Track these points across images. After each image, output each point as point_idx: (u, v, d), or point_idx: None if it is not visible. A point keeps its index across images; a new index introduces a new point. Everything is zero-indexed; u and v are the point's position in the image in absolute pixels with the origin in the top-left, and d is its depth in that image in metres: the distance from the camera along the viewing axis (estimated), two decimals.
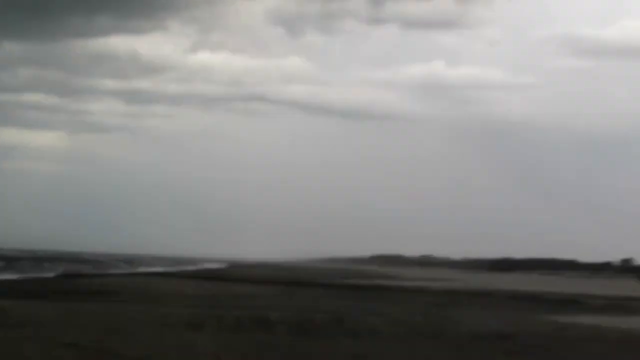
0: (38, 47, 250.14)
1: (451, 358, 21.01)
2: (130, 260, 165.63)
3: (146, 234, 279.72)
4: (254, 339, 23.76)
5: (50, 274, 77.93)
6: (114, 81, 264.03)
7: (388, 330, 27.94)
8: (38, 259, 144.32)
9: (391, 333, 27.02)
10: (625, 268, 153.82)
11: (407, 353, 21.35)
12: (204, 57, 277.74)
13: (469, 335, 26.74)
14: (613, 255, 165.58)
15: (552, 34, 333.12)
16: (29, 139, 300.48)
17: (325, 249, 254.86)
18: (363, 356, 20.09)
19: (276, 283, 69.98)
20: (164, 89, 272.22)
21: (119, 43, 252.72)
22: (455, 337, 26.28)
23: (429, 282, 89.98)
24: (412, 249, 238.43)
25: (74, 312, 32.39)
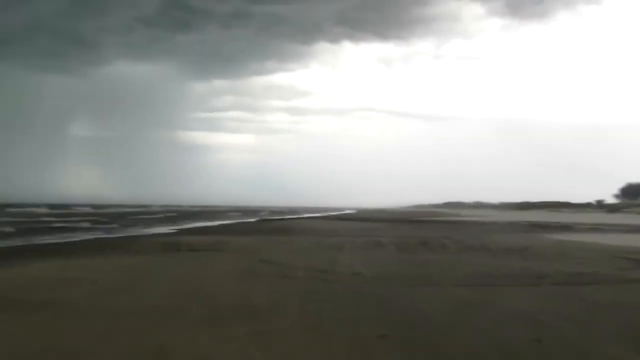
0: (235, 82, 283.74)
1: (490, 262, 23.72)
2: (294, 210, 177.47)
3: (303, 195, 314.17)
4: (373, 253, 27.77)
5: (252, 220, 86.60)
6: (280, 101, 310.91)
7: (453, 247, 31.45)
8: (243, 210, 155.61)
9: (454, 249, 30.77)
10: (600, 206, 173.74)
11: (463, 259, 24.95)
12: (332, 84, 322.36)
13: (502, 248, 30.58)
14: (591, 197, 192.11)
15: None
16: (232, 140, 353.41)
17: (414, 199, 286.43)
18: (438, 261, 23.86)
19: (385, 221, 77.39)
20: (311, 105, 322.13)
21: (282, 78, 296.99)
22: (493, 250, 29.85)
23: (478, 218, 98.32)
24: (469, 197, 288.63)
25: (267, 241, 35.82)
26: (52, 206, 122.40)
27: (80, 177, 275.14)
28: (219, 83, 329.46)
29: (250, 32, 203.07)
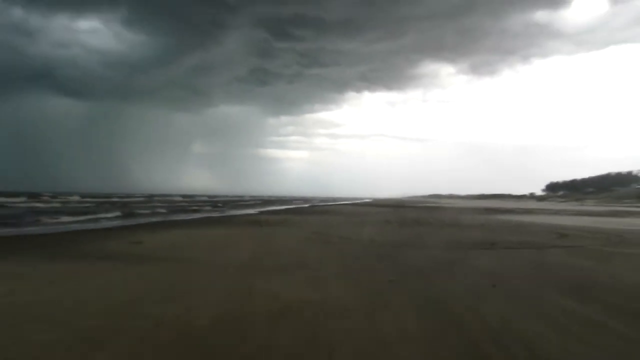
0: (295, 118, 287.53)
1: (460, 233, 23.22)
2: (332, 199, 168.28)
3: (338, 189, 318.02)
4: (383, 227, 27.50)
5: (306, 205, 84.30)
6: (323, 130, 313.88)
7: (435, 223, 31.20)
8: (300, 199, 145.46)
9: (436, 224, 30.41)
10: (532, 196, 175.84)
11: (442, 231, 24.38)
12: (357, 118, 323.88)
13: (467, 224, 30.25)
14: (527, 191, 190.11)
15: None
16: (293, 155, 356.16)
17: (409, 191, 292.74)
18: (426, 233, 23.05)
19: (391, 206, 74.75)
20: (343, 132, 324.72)
21: (324, 115, 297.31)
22: (461, 225, 29.53)
23: (451, 204, 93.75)
24: (445, 190, 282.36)
25: (316, 219, 35.98)
26: (183, 196, 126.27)
27: (198, 177, 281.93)
28: (285, 118, 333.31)
29: (305, 86, 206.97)
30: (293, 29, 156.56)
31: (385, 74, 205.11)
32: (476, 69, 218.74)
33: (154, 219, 34.70)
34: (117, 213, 39.40)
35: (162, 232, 22.87)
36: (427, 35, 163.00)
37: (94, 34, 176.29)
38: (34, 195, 73.55)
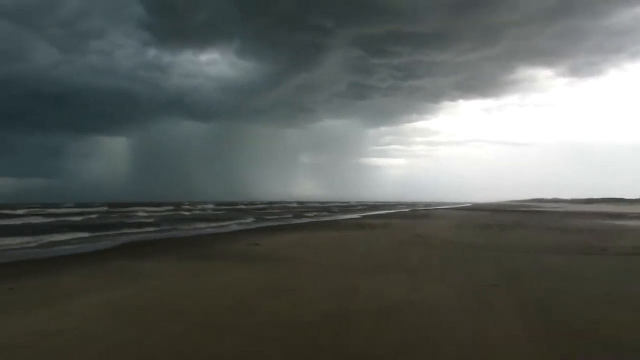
0: (393, 128, 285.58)
1: (564, 237, 21.30)
2: (432, 204, 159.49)
3: (437, 195, 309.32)
4: (483, 231, 26.07)
5: (407, 210, 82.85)
6: (421, 138, 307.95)
7: (539, 228, 29.23)
8: (400, 205, 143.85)
9: (538, 228, 28.61)
10: None
11: (544, 235, 22.64)
12: (453, 126, 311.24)
13: (573, 229, 27.89)
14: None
15: None
16: (392, 163, 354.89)
17: (508, 196, 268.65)
18: (527, 236, 22.04)
19: (490, 210, 71.53)
20: (441, 140, 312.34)
21: (422, 124, 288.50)
22: (566, 230, 27.26)
23: (555, 208, 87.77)
24: (549, 195, 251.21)
25: (416, 222, 35.37)
26: (298, 202, 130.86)
27: (306, 186, 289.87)
28: (384, 129, 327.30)
29: (401, 98, 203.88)
30: (387, 46, 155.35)
31: (480, 82, 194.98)
32: (577, 71, 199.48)
33: (275, 224, 36.26)
34: (252, 219, 43.06)
35: (276, 235, 23.63)
36: (523, 41, 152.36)
37: (213, 64, 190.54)
38: (177, 205, 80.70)
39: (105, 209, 59.95)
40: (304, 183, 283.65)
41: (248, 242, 18.55)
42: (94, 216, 43.26)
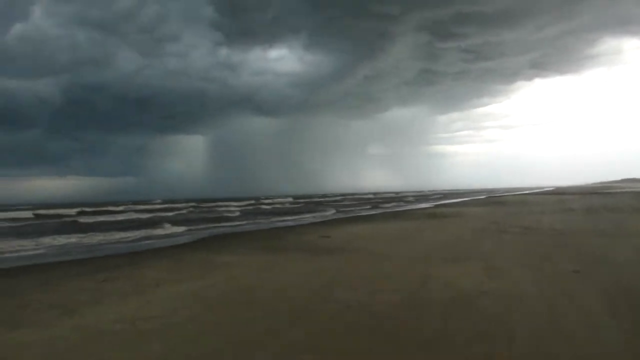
0: (463, 113, 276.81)
1: (628, 218, 21.12)
2: (510, 190, 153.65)
3: (510, 179, 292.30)
4: (566, 215, 24.18)
5: (481, 197, 76.29)
6: (492, 122, 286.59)
7: (629, 210, 27.01)
8: (472, 192, 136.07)
9: (628, 210, 26.42)
10: None
11: (633, 219, 21.25)
12: (529, 107, 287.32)
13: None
14: None
15: None
16: (463, 149, 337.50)
17: (596, 177, 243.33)
18: (614, 220, 20.32)
19: (575, 194, 68.31)
20: (514, 122, 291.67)
21: (492, 108, 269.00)
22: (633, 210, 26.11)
23: (628, 189, 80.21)
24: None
25: (492, 209, 33.60)
26: (374, 193, 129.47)
27: (375, 177, 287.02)
28: (454, 115, 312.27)
29: (471, 81, 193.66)
30: (455, 28, 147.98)
31: (558, 58, 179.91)
32: None
33: (351, 215, 36.39)
34: (332, 210, 43.87)
35: (346, 226, 23.68)
36: (606, 11, 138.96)
37: (281, 60, 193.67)
38: (256, 199, 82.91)
39: (193, 204, 62.89)
40: (374, 173, 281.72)
41: (319, 234, 18.79)
42: (183, 211, 45.72)
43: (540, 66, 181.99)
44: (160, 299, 8.02)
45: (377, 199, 78.79)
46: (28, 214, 43.00)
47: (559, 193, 77.36)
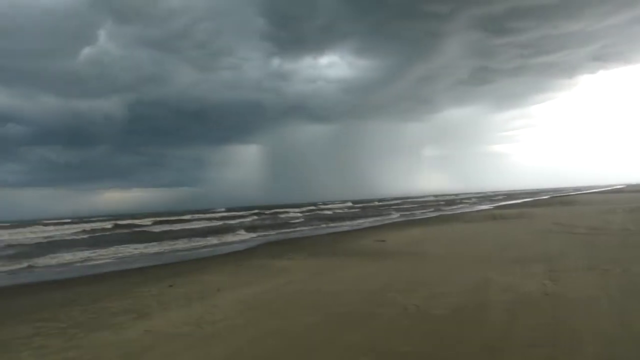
0: (522, 110, 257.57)
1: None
2: (575, 189, 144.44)
3: (580, 178, 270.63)
4: (637, 214, 22.82)
5: (545, 197, 73.98)
6: (555, 118, 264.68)
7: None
8: (534, 192, 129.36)
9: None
10: None
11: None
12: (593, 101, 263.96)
13: None
14: None
15: None
16: (523, 148, 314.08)
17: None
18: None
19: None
20: (577, 117, 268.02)
21: (553, 103, 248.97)
22: None
23: None
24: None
25: (556, 209, 32.17)
26: (435, 195, 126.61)
27: (430, 179, 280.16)
28: (511, 112, 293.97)
29: (529, 77, 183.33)
30: (510, 23, 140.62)
31: (625, 47, 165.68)
32: None
33: (413, 218, 36.23)
34: (397, 214, 43.78)
35: (402, 230, 23.40)
36: None
37: (332, 67, 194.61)
38: (315, 205, 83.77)
39: (255, 211, 64.76)
40: (430, 176, 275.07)
41: (374, 239, 18.71)
42: (248, 219, 47.15)
43: (603, 57, 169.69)
44: (223, 304, 8.29)
45: (438, 202, 77.03)
46: (108, 224, 45.82)
47: (631, 191, 71.90)
